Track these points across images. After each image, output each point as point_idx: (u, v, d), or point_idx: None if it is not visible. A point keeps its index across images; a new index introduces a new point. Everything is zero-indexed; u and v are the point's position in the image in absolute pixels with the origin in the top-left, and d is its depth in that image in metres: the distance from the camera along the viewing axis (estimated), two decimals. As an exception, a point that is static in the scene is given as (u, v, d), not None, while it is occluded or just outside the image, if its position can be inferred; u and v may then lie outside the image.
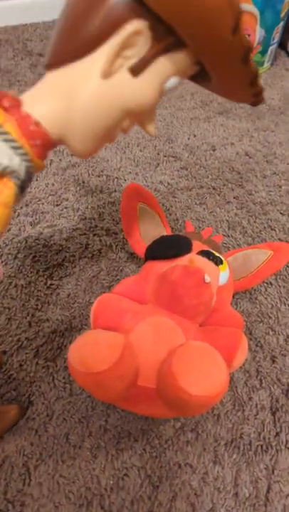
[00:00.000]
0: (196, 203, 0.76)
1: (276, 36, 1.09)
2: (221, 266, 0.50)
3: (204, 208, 0.75)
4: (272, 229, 0.72)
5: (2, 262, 0.63)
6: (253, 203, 0.77)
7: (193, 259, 0.48)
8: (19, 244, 0.65)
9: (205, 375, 0.38)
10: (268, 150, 0.90)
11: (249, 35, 1.03)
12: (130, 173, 0.81)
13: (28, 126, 0.28)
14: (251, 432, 0.48)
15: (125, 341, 0.40)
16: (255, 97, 0.34)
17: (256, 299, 0.62)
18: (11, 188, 0.28)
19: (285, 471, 0.46)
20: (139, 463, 0.45)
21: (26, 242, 0.66)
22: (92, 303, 0.47)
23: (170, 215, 0.73)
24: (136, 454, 0.46)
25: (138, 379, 0.42)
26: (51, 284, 0.60)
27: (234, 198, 0.77)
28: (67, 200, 0.74)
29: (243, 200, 0.77)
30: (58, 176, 0.79)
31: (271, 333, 0.58)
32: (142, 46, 0.28)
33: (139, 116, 0.33)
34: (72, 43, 0.28)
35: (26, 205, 0.72)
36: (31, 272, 0.62)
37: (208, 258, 0.49)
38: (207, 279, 0.46)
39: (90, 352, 0.39)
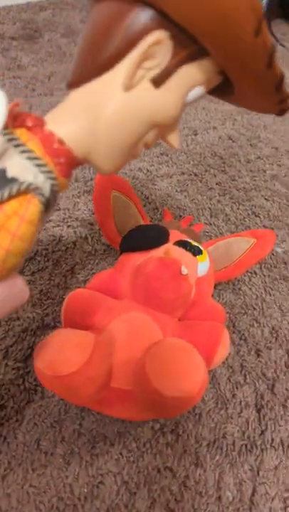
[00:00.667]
0: (176, 191, 0.72)
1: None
2: (199, 256, 0.47)
3: (185, 196, 0.71)
4: (256, 215, 0.69)
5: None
6: (237, 189, 0.73)
7: (169, 250, 0.45)
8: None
9: (181, 374, 0.35)
10: (252, 133, 0.87)
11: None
12: (108, 160, 0.77)
13: (51, 144, 0.28)
14: (235, 431, 0.46)
15: (96, 341, 0.37)
16: (281, 105, 0.32)
17: (240, 289, 0.59)
18: (35, 204, 0.26)
19: (271, 471, 0.43)
20: (115, 468, 0.43)
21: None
22: (67, 299, 0.44)
23: (149, 203, 0.69)
24: (112, 459, 0.43)
25: (111, 380, 0.39)
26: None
27: (217, 184, 0.74)
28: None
29: (226, 186, 0.74)
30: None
31: (256, 325, 0.55)
32: (164, 56, 0.27)
33: (164, 128, 0.32)
34: (94, 62, 0.28)
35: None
36: (2, 267, 0.58)
37: (186, 248, 0.46)
38: (184, 270, 0.43)
39: (57, 353, 0.36)
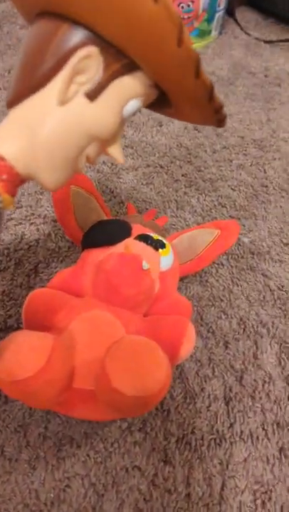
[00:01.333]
0: (142, 183, 0.71)
1: (221, 2, 1.04)
2: (162, 250, 0.47)
3: (151, 188, 0.70)
4: (222, 206, 0.69)
5: None
6: (203, 180, 0.73)
7: (129, 245, 0.44)
8: None
9: (141, 373, 0.34)
10: (218, 123, 0.86)
11: (193, 2, 0.98)
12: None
13: None
14: (204, 425, 0.45)
15: (55, 342, 0.36)
16: (217, 115, 0.33)
17: (207, 281, 0.58)
18: None
19: (240, 464, 0.43)
20: (82, 471, 0.42)
21: None
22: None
23: (114, 197, 0.68)
24: (79, 462, 0.42)
25: (74, 381, 0.38)
26: (-16, 281, 0.55)
27: (182, 175, 0.73)
28: None
29: (192, 177, 0.73)
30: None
31: (223, 317, 0.55)
32: (96, 70, 0.28)
33: (104, 142, 0.33)
34: (29, 80, 0.29)
35: None
36: None
37: (147, 242, 0.45)
38: (145, 265, 0.43)
39: (13, 357, 0.35)
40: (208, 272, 0.59)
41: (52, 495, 0.40)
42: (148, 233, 0.47)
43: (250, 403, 0.47)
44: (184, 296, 0.50)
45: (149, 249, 0.45)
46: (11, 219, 0.62)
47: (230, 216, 0.67)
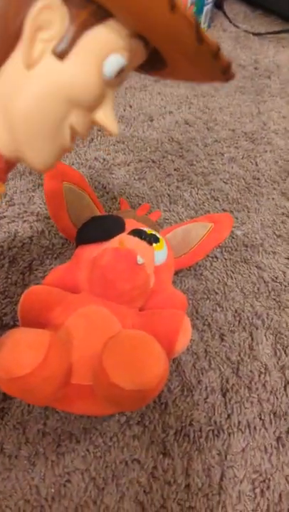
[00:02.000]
0: (134, 179, 0.71)
1: (210, -4, 1.04)
2: (156, 244, 0.47)
3: (144, 183, 0.70)
4: (215, 199, 0.69)
5: None
6: (195, 174, 0.73)
7: (123, 240, 0.44)
8: None
9: (139, 367, 0.35)
10: (209, 116, 0.86)
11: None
12: (63, 151, 0.75)
13: None
14: (201, 417, 0.46)
15: (51, 339, 0.36)
16: (225, 73, 0.29)
17: (201, 274, 0.58)
18: None
19: (239, 454, 0.44)
20: (82, 465, 0.42)
21: None
22: (26, 297, 0.43)
23: (107, 193, 0.68)
24: (78, 457, 0.42)
25: (72, 377, 0.38)
26: (-21, 280, 0.55)
27: (175, 170, 0.73)
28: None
29: (184, 171, 0.73)
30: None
31: (219, 309, 0.55)
32: (60, 24, 0.25)
33: (87, 106, 0.28)
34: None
35: None
36: None
37: (141, 237, 0.45)
38: (140, 260, 0.43)
39: (11, 355, 0.35)
40: (203, 265, 0.59)
41: (52, 490, 0.40)
42: (142, 228, 0.47)
43: (247, 394, 0.48)
44: (179, 290, 0.50)
45: (143, 243, 0.45)
46: (4, 217, 0.62)
47: (223, 209, 0.67)
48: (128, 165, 0.73)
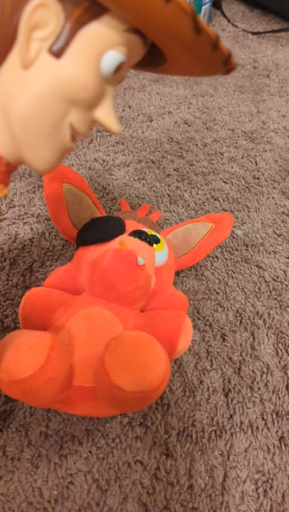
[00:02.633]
0: (134, 179, 0.71)
1: (208, -5, 1.04)
2: (157, 245, 0.47)
3: (143, 184, 0.70)
4: (215, 199, 0.69)
5: None
6: (195, 174, 0.73)
7: (123, 241, 0.44)
8: None
9: (141, 368, 0.35)
10: (208, 116, 0.86)
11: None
12: (63, 152, 0.75)
13: None
14: (204, 417, 0.46)
15: (53, 341, 0.36)
16: (226, 64, 0.28)
17: (202, 275, 0.58)
18: None
19: (241, 454, 0.44)
20: (85, 467, 0.42)
21: None
22: (27, 299, 0.43)
23: (107, 194, 0.68)
24: (81, 458, 0.42)
25: (74, 379, 0.38)
26: (-20, 282, 0.55)
27: (174, 170, 0.73)
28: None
29: (183, 171, 0.73)
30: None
31: (220, 309, 0.55)
32: (56, 22, 0.24)
33: (85, 105, 0.28)
34: None
35: None
36: None
37: (141, 238, 0.45)
38: (140, 261, 0.43)
39: (12, 357, 0.35)
40: (204, 265, 0.59)
41: (55, 492, 0.40)
42: (142, 229, 0.47)
43: (249, 394, 0.48)
44: (180, 291, 0.50)
45: (144, 244, 0.45)
46: (5, 218, 0.62)
47: (223, 209, 0.67)
48: (128, 166, 0.73)
